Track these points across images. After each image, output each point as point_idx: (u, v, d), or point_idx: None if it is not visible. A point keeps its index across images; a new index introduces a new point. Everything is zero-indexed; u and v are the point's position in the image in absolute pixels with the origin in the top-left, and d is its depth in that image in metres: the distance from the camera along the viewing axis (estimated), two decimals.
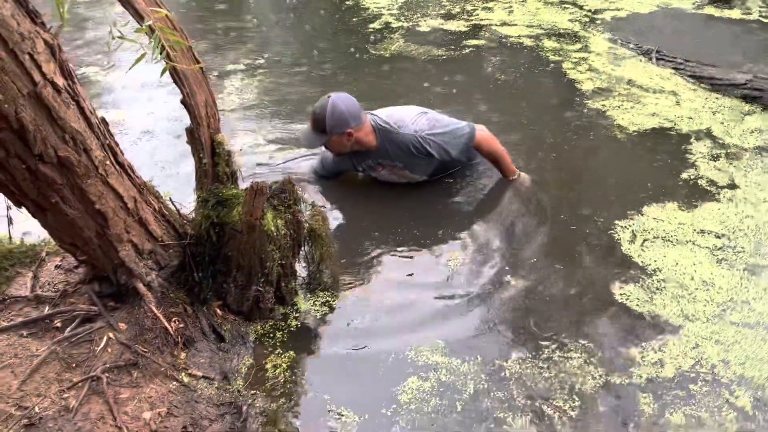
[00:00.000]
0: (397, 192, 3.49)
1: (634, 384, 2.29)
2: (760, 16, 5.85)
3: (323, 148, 3.43)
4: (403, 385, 2.32)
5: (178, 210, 2.59)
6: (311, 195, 3.45)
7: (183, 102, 2.34)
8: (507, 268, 2.91)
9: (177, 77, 2.28)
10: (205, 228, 2.46)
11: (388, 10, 6.46)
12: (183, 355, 2.40)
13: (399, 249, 3.09)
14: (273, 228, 2.50)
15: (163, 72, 2.18)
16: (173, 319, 2.43)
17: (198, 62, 2.30)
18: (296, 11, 6.79)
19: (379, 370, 2.39)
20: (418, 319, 2.64)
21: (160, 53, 1.94)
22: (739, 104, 4.19)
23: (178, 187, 3.22)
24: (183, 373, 2.32)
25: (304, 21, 6.45)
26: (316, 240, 2.81)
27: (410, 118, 3.33)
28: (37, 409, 2.04)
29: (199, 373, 2.35)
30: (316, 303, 2.74)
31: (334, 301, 2.75)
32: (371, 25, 6.06)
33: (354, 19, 6.29)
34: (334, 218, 3.29)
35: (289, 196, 2.62)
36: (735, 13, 5.93)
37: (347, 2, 6.78)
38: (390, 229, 3.24)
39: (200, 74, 2.37)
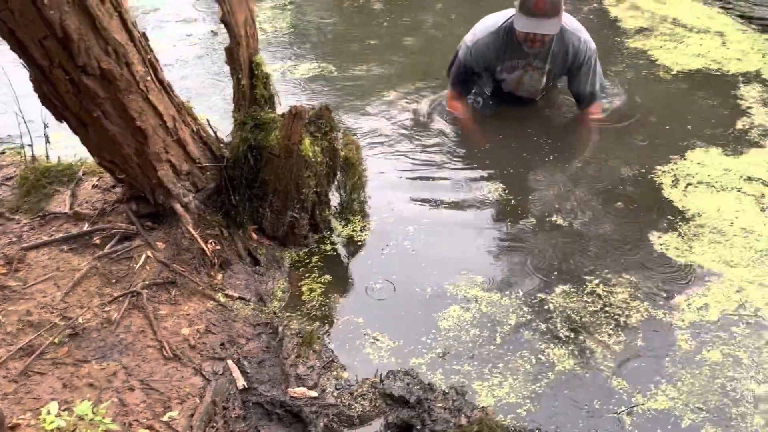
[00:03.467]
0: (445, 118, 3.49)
1: (675, 324, 2.27)
2: None
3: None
4: (444, 312, 2.33)
5: (215, 132, 2.57)
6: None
7: (222, 20, 2.28)
8: (548, 206, 2.87)
9: None
10: (243, 151, 2.44)
11: None
12: (219, 276, 2.42)
13: (436, 179, 3.06)
14: (310, 153, 2.47)
15: None
16: (210, 241, 2.45)
17: None
18: None
19: (416, 299, 2.40)
20: (455, 253, 2.63)
21: None
22: None
23: (209, 114, 3.18)
24: (220, 294, 2.35)
25: None
26: (350, 168, 2.79)
27: (575, 21, 3.23)
28: (80, 320, 2.08)
29: (236, 294, 2.38)
30: (353, 230, 2.73)
31: (368, 229, 2.74)
32: None
33: None
34: (367, 145, 3.26)
35: (326, 122, 2.59)
36: None
37: None
38: (428, 159, 3.21)
39: None
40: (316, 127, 2.58)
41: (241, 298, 2.38)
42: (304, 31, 4.49)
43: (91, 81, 1.92)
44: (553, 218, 2.79)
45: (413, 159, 3.22)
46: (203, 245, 2.39)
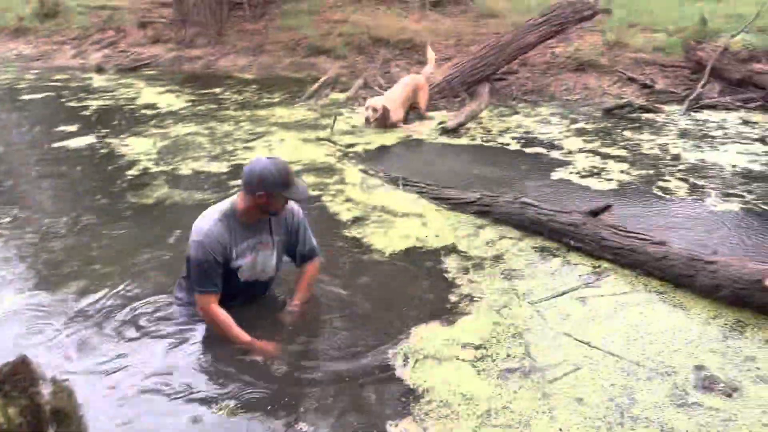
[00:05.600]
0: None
1: None
2: (482, 141, 6.85)
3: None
4: None
5: None
6: None
7: None
8: (289, 402, 2.84)
9: None
10: None
11: (147, 155, 6.37)
12: None
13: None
14: (2, 419, 2.16)
15: None
16: None
17: None
18: (46, 163, 6.35)
19: None
20: None
21: None
22: (474, 219, 4.75)
23: None
24: None
25: (57, 173, 6.04)
26: (63, 419, 2.49)
27: None
28: None
29: None
30: None
31: None
32: (129, 172, 5.90)
33: (110, 167, 6.08)
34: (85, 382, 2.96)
35: (25, 378, 2.32)
36: (463, 140, 6.86)
37: (101, 151, 6.55)
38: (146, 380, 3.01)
39: None
40: (12, 385, 2.29)
41: None
42: (26, 257, 4.14)
43: None
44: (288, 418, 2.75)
45: (138, 386, 3.00)
46: None
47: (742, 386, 2.95)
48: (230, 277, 3.36)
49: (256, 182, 3.17)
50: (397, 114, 7.12)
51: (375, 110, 6.90)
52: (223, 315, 3.27)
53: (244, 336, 3.26)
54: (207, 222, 3.26)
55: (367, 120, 6.93)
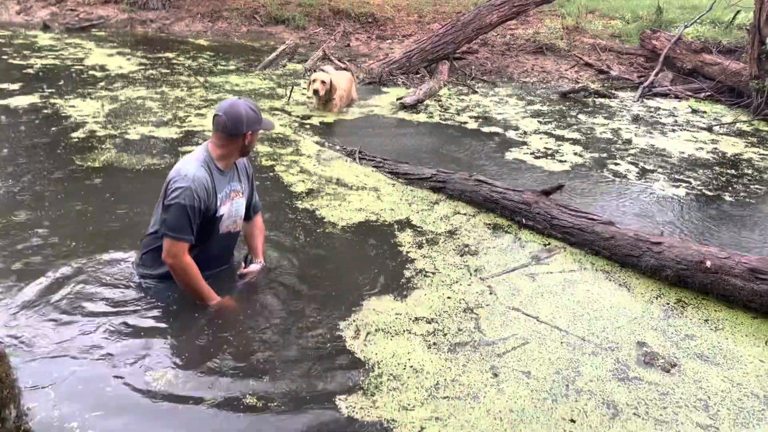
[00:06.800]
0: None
1: None
2: (440, 119, 6.85)
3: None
4: None
5: None
6: None
7: None
8: (228, 371, 2.79)
9: None
10: None
11: (94, 118, 6.12)
12: None
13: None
14: None
15: None
16: None
17: None
18: None
19: None
20: None
21: None
22: (429, 194, 4.77)
23: None
24: None
25: None
26: None
27: None
28: None
29: None
30: None
31: None
32: (75, 135, 5.67)
33: (54, 129, 5.82)
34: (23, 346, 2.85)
35: None
36: (421, 117, 6.85)
37: (45, 111, 6.26)
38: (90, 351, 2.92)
39: None
40: None
41: None
42: None
43: None
44: (227, 382, 2.72)
45: (83, 357, 2.91)
46: None
47: (681, 362, 3.06)
48: (211, 229, 3.28)
49: (243, 123, 3.16)
50: (341, 99, 6.92)
51: (324, 82, 6.61)
52: (194, 264, 3.20)
53: (210, 292, 3.25)
54: (191, 168, 3.15)
55: (316, 92, 6.58)
